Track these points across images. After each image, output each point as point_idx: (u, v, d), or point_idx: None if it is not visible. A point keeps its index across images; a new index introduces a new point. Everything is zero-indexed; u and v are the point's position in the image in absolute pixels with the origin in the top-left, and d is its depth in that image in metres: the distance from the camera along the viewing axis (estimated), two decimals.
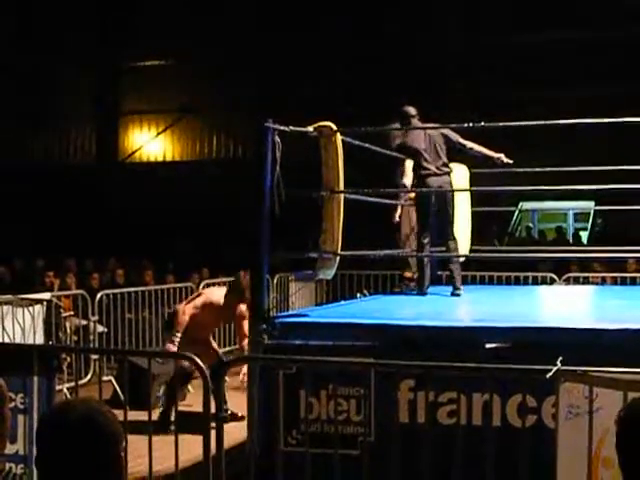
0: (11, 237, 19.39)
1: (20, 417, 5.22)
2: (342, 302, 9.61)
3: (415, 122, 9.56)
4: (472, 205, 10.93)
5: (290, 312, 10.01)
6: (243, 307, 9.48)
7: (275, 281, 14.52)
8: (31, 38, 24.32)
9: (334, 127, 7.92)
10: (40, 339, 9.49)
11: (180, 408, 7.32)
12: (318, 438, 6.53)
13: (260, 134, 7.59)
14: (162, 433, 7.50)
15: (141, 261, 18.37)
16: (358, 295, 10.32)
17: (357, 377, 6.72)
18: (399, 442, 5.50)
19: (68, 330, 10.12)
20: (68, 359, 8.61)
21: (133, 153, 28.54)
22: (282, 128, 7.64)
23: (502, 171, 10.14)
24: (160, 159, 28.45)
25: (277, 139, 7.58)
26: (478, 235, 11.47)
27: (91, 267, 16.62)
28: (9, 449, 5.22)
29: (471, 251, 10.80)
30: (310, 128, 7.93)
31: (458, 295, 9.56)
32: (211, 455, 4.85)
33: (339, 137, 7.92)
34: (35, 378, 5.17)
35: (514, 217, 23.12)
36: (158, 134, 28.27)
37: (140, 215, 23.74)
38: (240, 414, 8.14)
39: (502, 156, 9.60)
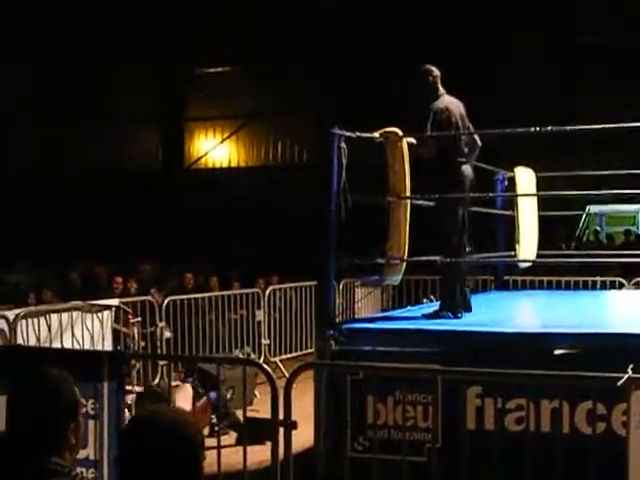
0: (79, 243, 19.67)
1: (90, 422, 5.28)
2: (409, 308, 9.54)
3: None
4: (539, 209, 10.82)
5: (356, 318, 9.96)
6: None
7: (341, 287, 14.51)
8: (99, 45, 24.57)
9: (400, 133, 7.90)
10: (109, 345, 9.62)
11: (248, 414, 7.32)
12: (385, 444, 6.51)
13: (326, 140, 7.62)
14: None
15: (207, 267, 18.48)
16: (425, 301, 10.26)
17: (424, 383, 6.69)
18: (466, 449, 5.46)
19: (136, 336, 10.22)
20: (137, 365, 8.72)
21: (199, 159, 28.72)
22: (348, 134, 7.65)
23: (569, 174, 10.03)
24: (225, 165, 28.58)
25: (343, 145, 7.59)
26: (545, 239, 11.34)
27: (156, 273, 16.76)
28: (80, 454, 5.28)
29: (538, 256, 10.68)
30: (376, 134, 7.92)
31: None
32: (279, 461, 4.85)
33: (405, 143, 7.89)
34: (105, 384, 5.23)
35: (581, 221, 22.85)
36: (223, 140, 28.42)
37: (206, 220, 23.87)
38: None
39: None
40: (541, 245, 10.92)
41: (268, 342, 12.94)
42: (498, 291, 11.83)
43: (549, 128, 8.35)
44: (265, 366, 5.07)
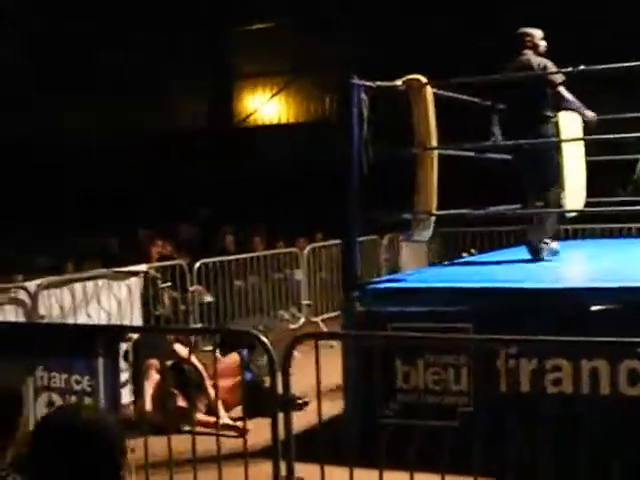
0: (122, 207, 19.50)
1: (87, 400, 5.02)
2: (445, 264, 9.15)
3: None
4: (590, 154, 10.27)
5: (384, 277, 9.57)
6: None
7: (385, 242, 14.13)
8: (142, 5, 24.29)
9: (423, 79, 7.47)
10: (137, 313, 9.37)
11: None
12: (415, 409, 6.17)
13: (346, 91, 7.23)
14: None
15: (256, 226, 18.22)
16: (464, 255, 9.85)
17: (455, 345, 6.35)
18: (500, 413, 5.08)
19: (166, 301, 9.94)
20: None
21: (248, 117, 28.43)
22: (368, 84, 7.26)
23: (619, 117, 9.54)
24: (275, 122, 28.27)
25: (364, 96, 7.21)
26: (600, 186, 10.79)
27: (199, 234, 16.51)
28: None
29: (588, 204, 10.16)
30: (398, 82, 7.49)
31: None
32: (278, 438, 4.53)
33: (429, 90, 7.47)
34: (100, 360, 4.95)
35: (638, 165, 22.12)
36: (272, 96, 28.09)
37: (254, 179, 23.62)
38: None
39: (593, 115, 8.73)
40: (594, 191, 10.40)
41: (309, 302, 12.63)
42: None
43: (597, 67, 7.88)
44: (263, 338, 4.71)
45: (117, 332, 5.18)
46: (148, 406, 6.95)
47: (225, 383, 7.58)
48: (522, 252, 8.91)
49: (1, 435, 3.00)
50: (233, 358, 8.00)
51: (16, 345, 5.20)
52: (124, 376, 7.22)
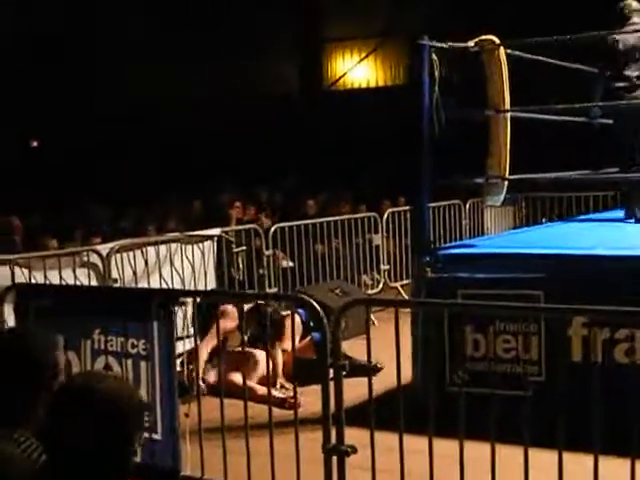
0: (208, 170, 19.54)
1: (142, 364, 5.01)
2: (523, 229, 8.95)
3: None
4: None
5: (455, 243, 9.40)
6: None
7: (468, 207, 13.92)
8: None
9: (497, 40, 7.27)
10: (211, 277, 9.37)
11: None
12: (485, 377, 6.04)
13: (415, 52, 7.09)
14: None
15: (339, 191, 18.16)
16: (544, 220, 9.63)
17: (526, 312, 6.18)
18: (571, 383, 4.93)
19: (240, 266, 9.91)
20: None
21: (337, 80, 28.29)
22: (439, 45, 7.09)
23: None
24: (364, 85, 28.08)
25: (434, 57, 7.05)
26: None
27: (284, 198, 16.48)
28: None
29: None
30: (471, 43, 7.30)
31: None
32: (330, 407, 4.46)
33: (503, 51, 7.27)
34: (155, 323, 4.93)
35: None
36: (361, 60, 27.90)
37: (343, 143, 23.51)
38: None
39: None
40: None
41: (388, 267, 12.49)
42: None
43: None
44: (314, 304, 4.63)
45: (172, 295, 5.15)
46: (201, 369, 6.92)
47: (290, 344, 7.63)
48: (603, 218, 8.70)
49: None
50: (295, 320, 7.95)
51: (74, 308, 5.23)
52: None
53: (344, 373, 4.53)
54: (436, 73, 7.03)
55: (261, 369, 7.29)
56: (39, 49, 20.51)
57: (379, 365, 6.86)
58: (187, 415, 5.19)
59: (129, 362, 5.09)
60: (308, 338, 7.86)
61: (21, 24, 20.57)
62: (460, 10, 22.48)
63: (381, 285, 12.36)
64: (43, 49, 20.54)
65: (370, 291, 12.09)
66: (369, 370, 6.31)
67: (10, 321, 5.70)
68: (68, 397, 2.59)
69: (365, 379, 4.69)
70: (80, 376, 2.76)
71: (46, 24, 20.57)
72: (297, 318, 7.92)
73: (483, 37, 7.30)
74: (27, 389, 2.95)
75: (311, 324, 7.60)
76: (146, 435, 5.01)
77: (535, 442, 4.30)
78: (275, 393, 6.76)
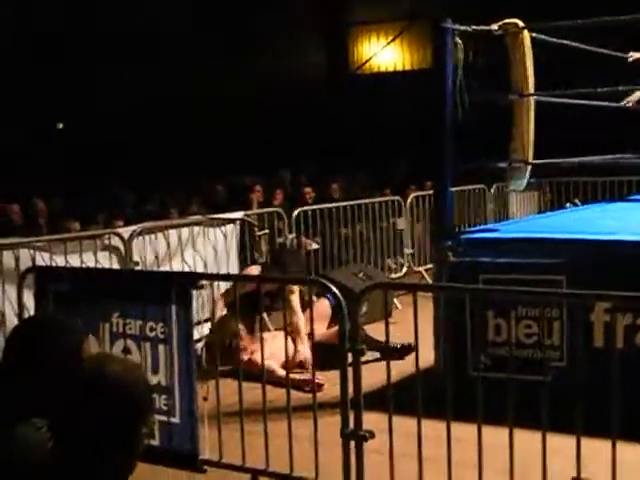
0: (232, 155, 19.54)
1: (161, 347, 4.99)
2: (546, 214, 8.89)
3: None
4: None
5: (477, 227, 9.34)
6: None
7: (492, 191, 13.86)
8: None
9: (521, 24, 7.20)
10: (234, 260, 9.35)
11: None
12: (507, 362, 6.01)
13: (439, 35, 7.03)
14: None
15: (366, 174, 18.13)
16: (567, 205, 9.56)
17: (548, 297, 6.14)
18: (592, 368, 4.90)
19: (264, 249, 9.89)
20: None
21: (363, 64, 28.19)
22: (463, 28, 7.03)
23: None
24: (391, 69, 27.97)
25: (458, 40, 7.00)
26: None
27: (306, 181, 16.43)
28: (151, 380, 5.04)
29: None
30: (494, 26, 7.24)
31: None
32: (348, 391, 4.45)
33: (527, 35, 7.20)
34: (173, 307, 4.92)
35: None
36: (388, 43, 27.77)
37: (370, 127, 23.43)
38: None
39: None
40: None
41: (412, 251, 12.45)
42: None
43: None
44: (331, 286, 4.61)
45: (190, 279, 5.13)
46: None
47: (318, 328, 7.62)
48: (625, 203, 8.63)
49: None
50: (324, 304, 7.94)
51: (93, 291, 5.23)
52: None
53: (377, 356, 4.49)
54: (460, 56, 6.99)
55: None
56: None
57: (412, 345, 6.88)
58: (205, 399, 5.18)
59: (147, 345, 5.08)
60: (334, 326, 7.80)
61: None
62: None
63: (405, 269, 12.32)
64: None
65: (394, 275, 12.06)
66: (392, 352, 6.34)
67: (30, 305, 5.72)
68: (77, 383, 2.60)
69: (384, 363, 4.68)
70: (88, 361, 2.75)
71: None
72: (326, 302, 7.93)
73: (507, 20, 7.24)
74: (49, 380, 2.95)
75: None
76: (164, 418, 5.03)
77: (553, 427, 4.27)
78: (296, 376, 6.77)
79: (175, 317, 4.94)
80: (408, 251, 12.40)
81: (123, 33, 21.29)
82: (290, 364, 6.44)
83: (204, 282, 5.19)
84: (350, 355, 4.50)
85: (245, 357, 6.96)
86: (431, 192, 12.48)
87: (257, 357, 6.64)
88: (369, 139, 22.77)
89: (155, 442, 4.98)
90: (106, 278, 5.75)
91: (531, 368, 5.84)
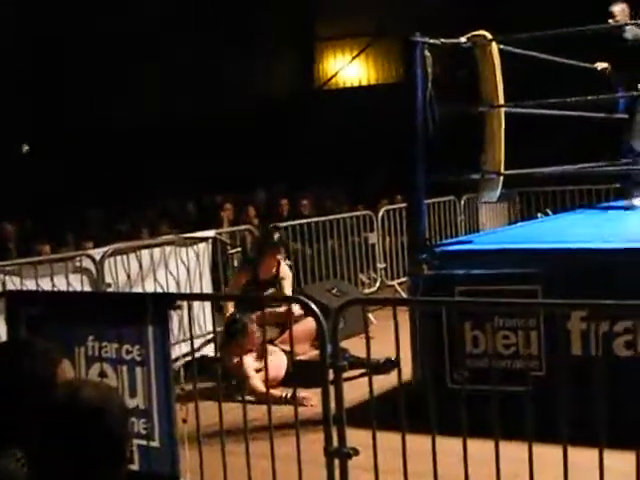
0: (202, 173, 19.47)
1: (138, 370, 4.93)
2: (518, 224, 8.91)
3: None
4: None
5: (451, 240, 9.36)
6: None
7: (463, 203, 13.89)
8: None
9: (489, 36, 7.23)
10: (207, 279, 9.28)
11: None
12: (485, 374, 5.99)
13: (408, 49, 7.04)
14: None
15: (339, 190, 18.12)
16: (539, 215, 9.58)
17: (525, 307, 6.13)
18: (572, 376, 4.88)
19: (236, 267, 9.80)
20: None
21: (330, 79, 28.26)
22: (432, 41, 7.05)
23: None
24: (356, 84, 28.05)
25: (427, 53, 7.00)
26: None
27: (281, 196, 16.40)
28: (129, 403, 4.97)
29: None
30: (463, 39, 7.25)
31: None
32: (330, 408, 4.40)
33: (495, 46, 7.22)
34: (150, 328, 4.86)
35: None
36: (353, 58, 27.87)
37: (337, 141, 23.45)
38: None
39: None
40: None
41: (384, 266, 12.45)
42: None
43: None
44: (310, 304, 4.56)
45: (167, 299, 5.07)
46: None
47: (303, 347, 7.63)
48: (595, 211, 8.65)
49: None
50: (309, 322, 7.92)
51: (66, 314, 5.15)
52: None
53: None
54: (429, 69, 6.99)
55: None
56: (39, 49, 20.46)
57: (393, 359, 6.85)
58: (185, 421, 5.11)
59: (124, 368, 5.00)
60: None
61: (21, 24, 20.50)
62: (452, 8, 22.49)
63: (378, 283, 12.32)
64: (43, 49, 20.48)
65: (367, 290, 12.05)
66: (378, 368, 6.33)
67: (1, 330, 5.64)
68: (51, 410, 2.53)
69: (365, 379, 4.64)
70: (62, 387, 2.67)
71: (46, 24, 20.50)
72: (310, 321, 7.91)
73: (475, 33, 7.26)
74: (24, 407, 2.87)
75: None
76: (143, 442, 4.95)
77: (539, 437, 4.24)
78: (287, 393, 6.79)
79: (152, 339, 4.87)
80: (381, 265, 12.39)
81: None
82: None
83: (181, 302, 5.11)
84: (331, 372, 4.46)
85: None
86: (402, 205, 12.55)
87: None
88: (338, 154, 22.76)
89: (135, 467, 4.91)
90: (80, 301, 5.67)
91: (510, 379, 5.83)
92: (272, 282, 8.70)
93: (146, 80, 22.45)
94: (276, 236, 8.86)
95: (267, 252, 8.75)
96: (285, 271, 8.82)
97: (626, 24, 8.39)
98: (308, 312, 4.57)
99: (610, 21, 8.43)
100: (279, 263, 8.81)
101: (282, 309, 7.78)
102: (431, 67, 7.02)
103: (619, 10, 8.49)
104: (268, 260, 8.69)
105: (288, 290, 8.69)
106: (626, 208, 8.63)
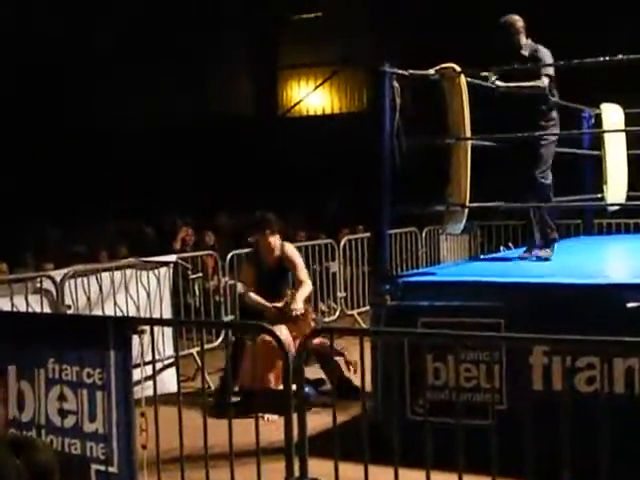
0: (164, 192, 19.37)
1: (98, 394, 4.87)
2: (481, 257, 8.94)
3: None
4: (629, 147, 10.01)
5: (415, 271, 9.38)
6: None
7: (424, 234, 13.92)
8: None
9: (457, 68, 7.27)
10: (167, 303, 9.19)
11: None
12: (446, 407, 5.97)
13: (377, 79, 7.06)
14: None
15: (296, 217, 18.07)
16: (502, 248, 9.62)
17: (487, 340, 6.14)
18: (533, 411, 4.88)
19: (197, 292, 9.77)
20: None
21: (293, 107, 28.30)
22: (400, 72, 7.07)
23: None
24: (319, 112, 28.11)
25: (396, 84, 7.02)
26: (638, 180, 10.49)
27: (240, 224, 16.32)
28: (88, 428, 4.91)
29: (628, 198, 9.90)
30: (431, 71, 7.29)
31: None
32: (292, 437, 4.36)
33: (463, 79, 7.26)
34: (112, 352, 4.80)
35: None
36: (317, 87, 27.95)
37: (299, 169, 23.47)
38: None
39: None
40: (633, 186, 10.14)
41: (344, 295, 12.44)
42: (586, 236, 11.11)
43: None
44: (277, 331, 4.53)
45: (130, 323, 5.01)
46: None
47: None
48: (570, 244, 8.68)
49: None
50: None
51: (27, 336, 5.09)
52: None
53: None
54: (397, 100, 7.01)
55: None
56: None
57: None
58: (144, 447, 5.04)
59: (84, 392, 4.95)
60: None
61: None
62: (418, 38, 22.62)
63: (337, 313, 12.30)
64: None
65: (327, 319, 12.01)
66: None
67: None
68: None
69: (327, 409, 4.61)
70: None
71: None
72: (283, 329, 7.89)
73: (444, 65, 7.30)
74: None
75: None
76: (102, 468, 4.89)
77: (503, 471, 4.23)
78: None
79: (113, 363, 4.82)
80: (341, 294, 12.37)
81: None
82: None
83: (144, 327, 5.05)
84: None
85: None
86: (364, 235, 12.59)
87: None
88: (298, 181, 22.77)
89: None
90: (40, 322, 5.59)
91: (472, 412, 5.83)
92: (282, 268, 8.69)
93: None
94: (259, 215, 8.80)
95: (256, 233, 8.76)
96: (289, 251, 8.78)
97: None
98: (275, 342, 4.51)
99: None
100: (283, 246, 8.76)
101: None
102: (399, 98, 7.03)
103: None
104: (261, 241, 8.64)
105: (303, 274, 8.68)
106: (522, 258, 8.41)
